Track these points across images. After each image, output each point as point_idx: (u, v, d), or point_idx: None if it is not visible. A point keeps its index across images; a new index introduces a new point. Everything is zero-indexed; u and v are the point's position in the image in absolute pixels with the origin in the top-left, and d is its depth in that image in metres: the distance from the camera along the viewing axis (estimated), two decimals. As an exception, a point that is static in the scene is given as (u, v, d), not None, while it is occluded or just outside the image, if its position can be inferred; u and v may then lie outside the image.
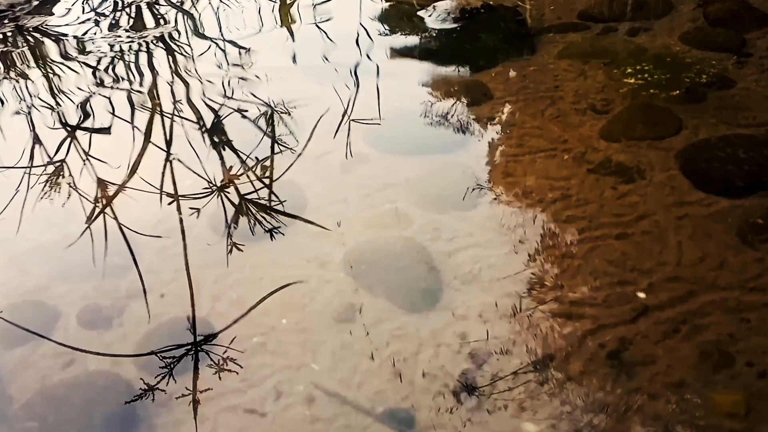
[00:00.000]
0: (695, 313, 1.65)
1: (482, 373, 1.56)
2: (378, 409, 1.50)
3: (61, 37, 3.53)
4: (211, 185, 2.26)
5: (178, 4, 3.91)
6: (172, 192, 2.25)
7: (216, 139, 2.54)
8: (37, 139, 2.63)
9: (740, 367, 1.52)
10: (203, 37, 3.47)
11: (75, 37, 3.52)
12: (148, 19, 3.70)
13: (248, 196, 2.19)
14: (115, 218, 2.14)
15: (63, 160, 2.48)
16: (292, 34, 3.39)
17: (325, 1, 3.72)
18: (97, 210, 2.19)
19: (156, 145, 2.53)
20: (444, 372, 1.57)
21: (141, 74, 3.09)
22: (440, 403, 1.50)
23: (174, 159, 2.42)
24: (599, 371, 1.54)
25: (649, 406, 1.46)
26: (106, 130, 2.66)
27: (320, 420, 1.49)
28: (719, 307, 1.66)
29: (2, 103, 2.94)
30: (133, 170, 2.38)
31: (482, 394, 1.51)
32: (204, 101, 2.80)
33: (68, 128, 2.69)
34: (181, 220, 2.11)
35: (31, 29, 3.64)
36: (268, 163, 2.35)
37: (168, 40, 3.40)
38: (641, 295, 1.72)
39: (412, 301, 1.76)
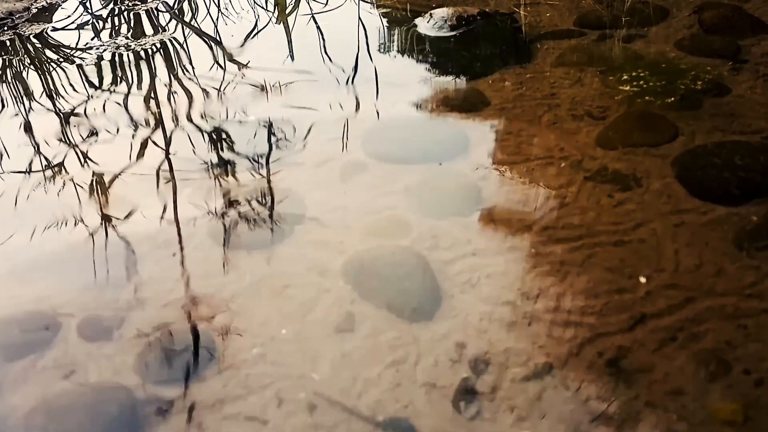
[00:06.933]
0: (692, 321, 1.66)
1: (481, 381, 1.57)
2: (379, 417, 1.51)
3: (60, 45, 3.53)
4: (211, 193, 2.27)
5: (177, 11, 3.92)
6: (172, 200, 2.26)
7: (214, 147, 2.54)
8: (36, 147, 2.63)
9: (738, 375, 1.53)
10: (201, 44, 3.48)
11: (74, 44, 3.52)
12: (147, 27, 3.71)
13: (247, 204, 2.20)
14: (114, 228, 2.15)
15: (62, 168, 2.48)
16: (290, 40, 3.41)
17: (321, 11, 3.74)
18: (97, 217, 2.19)
19: (155, 153, 2.53)
20: (443, 381, 1.57)
21: (139, 81, 3.09)
22: (440, 412, 1.51)
23: (173, 160, 2.43)
24: (598, 379, 1.55)
25: (647, 414, 1.47)
26: (106, 138, 2.66)
27: (322, 429, 1.50)
28: (716, 314, 1.67)
29: (2, 107, 2.94)
30: (134, 178, 2.39)
31: (482, 403, 1.52)
32: (203, 109, 2.81)
33: (68, 136, 2.69)
34: (180, 230, 2.12)
35: (30, 37, 3.65)
36: (266, 171, 2.36)
37: (166, 47, 3.41)
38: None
39: (411, 310, 1.77)
